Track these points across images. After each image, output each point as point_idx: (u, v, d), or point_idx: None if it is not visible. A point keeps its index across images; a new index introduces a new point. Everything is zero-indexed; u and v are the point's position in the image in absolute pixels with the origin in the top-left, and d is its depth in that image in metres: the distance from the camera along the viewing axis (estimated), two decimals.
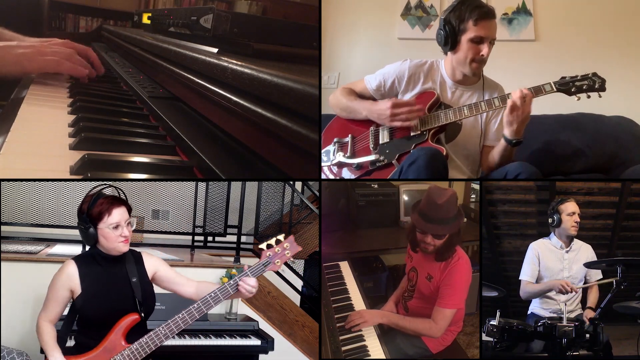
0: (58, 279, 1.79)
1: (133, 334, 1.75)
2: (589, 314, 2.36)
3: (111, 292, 1.77)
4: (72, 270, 1.78)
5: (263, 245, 1.87)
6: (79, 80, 2.75)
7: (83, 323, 1.79)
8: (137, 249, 1.92)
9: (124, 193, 1.86)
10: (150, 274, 1.86)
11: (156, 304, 1.89)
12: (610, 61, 3.16)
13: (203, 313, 1.78)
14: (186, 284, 1.89)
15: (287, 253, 1.86)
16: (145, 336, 1.73)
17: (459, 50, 2.36)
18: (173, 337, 1.78)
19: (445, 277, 2.09)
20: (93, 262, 1.80)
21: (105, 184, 1.80)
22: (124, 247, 1.78)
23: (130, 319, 1.74)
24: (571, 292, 2.37)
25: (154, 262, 1.89)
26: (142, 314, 1.76)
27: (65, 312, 1.84)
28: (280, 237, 1.86)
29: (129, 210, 1.82)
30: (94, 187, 1.81)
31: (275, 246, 1.86)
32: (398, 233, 3.19)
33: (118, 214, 1.76)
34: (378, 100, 2.48)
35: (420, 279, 2.21)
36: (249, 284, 1.80)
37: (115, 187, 1.84)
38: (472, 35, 2.30)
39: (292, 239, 1.88)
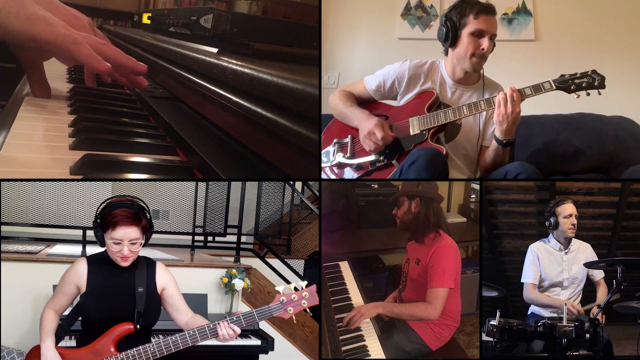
0: (68, 274, 1.80)
1: (128, 343, 1.73)
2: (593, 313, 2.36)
3: (113, 297, 1.76)
4: (82, 268, 1.78)
5: (279, 288, 1.79)
6: (100, 76, 2.25)
7: (83, 321, 1.79)
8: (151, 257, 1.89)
9: (148, 212, 1.81)
10: (160, 288, 1.83)
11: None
12: (610, 61, 3.16)
13: (186, 345, 1.75)
14: (182, 312, 1.85)
15: (304, 303, 1.79)
16: (134, 349, 1.71)
17: (459, 45, 2.37)
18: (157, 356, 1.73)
19: (431, 258, 2.15)
20: (105, 264, 1.79)
21: (129, 197, 1.79)
22: (123, 263, 1.75)
23: (124, 327, 1.73)
24: (577, 313, 2.37)
25: (166, 279, 1.85)
26: (137, 326, 1.73)
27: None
28: (302, 284, 1.80)
29: (144, 229, 1.77)
30: (122, 196, 1.80)
31: (292, 292, 1.77)
32: (398, 233, 3.18)
33: (122, 233, 1.72)
34: (372, 114, 2.46)
35: (411, 266, 2.27)
36: (231, 331, 1.75)
37: (142, 203, 1.81)
38: (472, 29, 2.31)
39: (313, 289, 1.80)
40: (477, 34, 2.31)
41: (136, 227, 1.74)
